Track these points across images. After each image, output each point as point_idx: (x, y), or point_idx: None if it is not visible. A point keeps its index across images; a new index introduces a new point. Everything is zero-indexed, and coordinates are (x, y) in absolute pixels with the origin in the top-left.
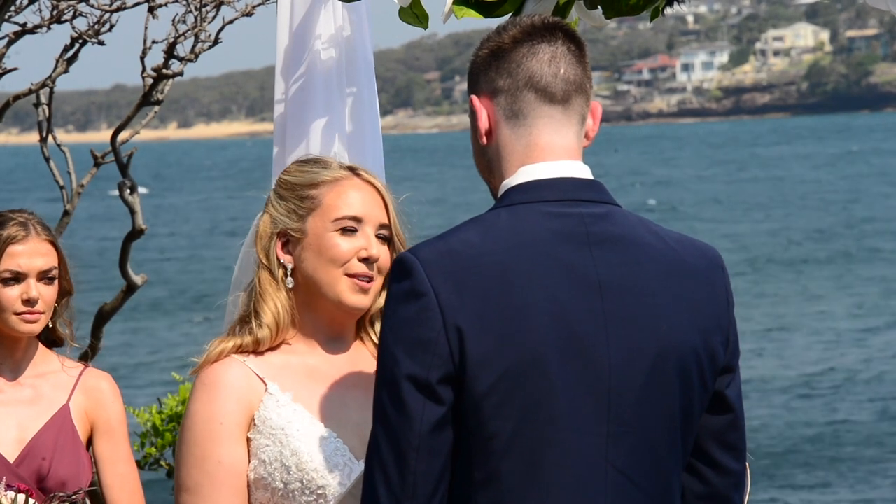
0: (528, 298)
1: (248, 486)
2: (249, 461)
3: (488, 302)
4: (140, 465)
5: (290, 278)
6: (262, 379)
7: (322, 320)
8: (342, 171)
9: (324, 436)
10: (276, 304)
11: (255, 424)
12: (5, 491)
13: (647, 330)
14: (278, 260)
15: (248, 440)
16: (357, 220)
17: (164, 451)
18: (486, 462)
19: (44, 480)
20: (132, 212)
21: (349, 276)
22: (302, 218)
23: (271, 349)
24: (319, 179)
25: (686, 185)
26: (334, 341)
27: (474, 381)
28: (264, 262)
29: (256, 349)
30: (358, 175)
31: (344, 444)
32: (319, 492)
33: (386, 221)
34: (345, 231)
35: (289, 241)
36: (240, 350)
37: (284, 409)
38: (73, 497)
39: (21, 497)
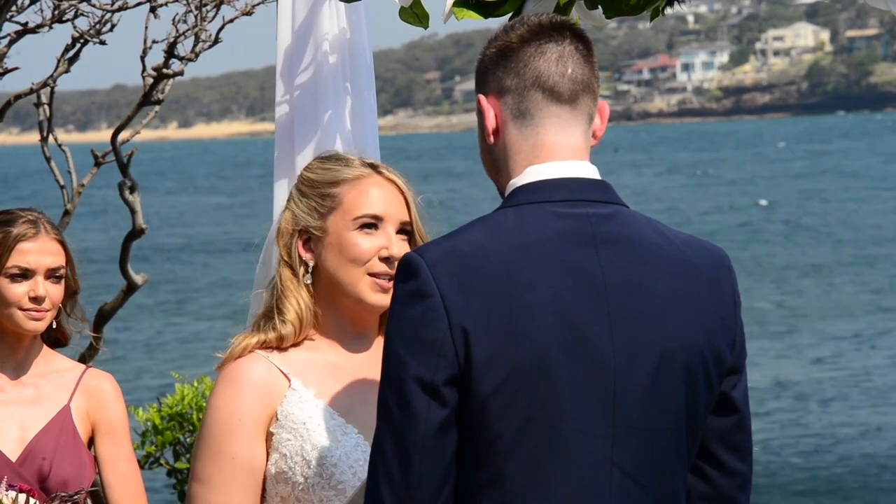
0: (534, 299)
1: (269, 480)
2: (271, 455)
3: (494, 302)
4: (140, 464)
5: (309, 275)
6: (285, 375)
7: (344, 318)
8: (364, 169)
9: (345, 431)
10: (298, 300)
11: (277, 419)
12: (6, 490)
13: (652, 331)
14: (300, 257)
15: (271, 434)
16: (377, 218)
17: (164, 450)
18: (491, 463)
19: (45, 480)
20: (132, 211)
21: (370, 275)
22: (323, 216)
23: (294, 345)
24: (340, 177)
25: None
26: (357, 338)
27: (479, 382)
28: (286, 258)
29: (280, 345)
30: (380, 173)
31: (365, 440)
32: (339, 487)
33: (407, 219)
34: (364, 229)
35: (310, 238)
36: (263, 346)
37: (307, 404)
38: (75, 497)
39: (22, 497)
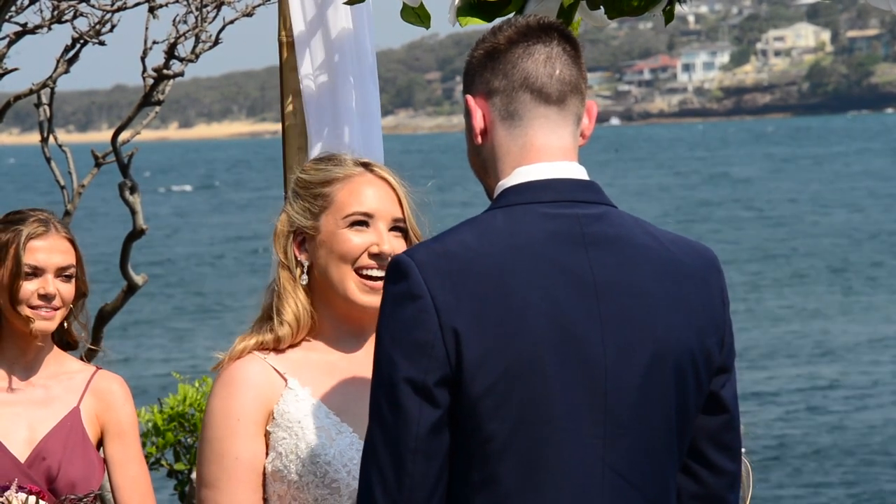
0: (525, 300)
1: (267, 478)
2: (268, 454)
3: (484, 303)
4: None
5: (305, 276)
6: (281, 374)
7: (339, 317)
8: (355, 168)
9: (339, 430)
10: (296, 302)
11: (273, 418)
12: (17, 492)
13: (643, 331)
14: (295, 258)
15: (268, 433)
16: (368, 215)
17: (165, 451)
18: (483, 464)
19: (54, 482)
20: (133, 212)
21: (358, 271)
22: (315, 216)
23: (291, 346)
24: (332, 177)
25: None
26: (353, 338)
27: (471, 383)
28: (283, 260)
29: (277, 346)
30: (371, 171)
31: (359, 438)
32: (333, 485)
33: (400, 216)
34: (356, 226)
35: (304, 239)
36: (261, 347)
37: (303, 403)
38: (85, 500)
39: (32, 499)
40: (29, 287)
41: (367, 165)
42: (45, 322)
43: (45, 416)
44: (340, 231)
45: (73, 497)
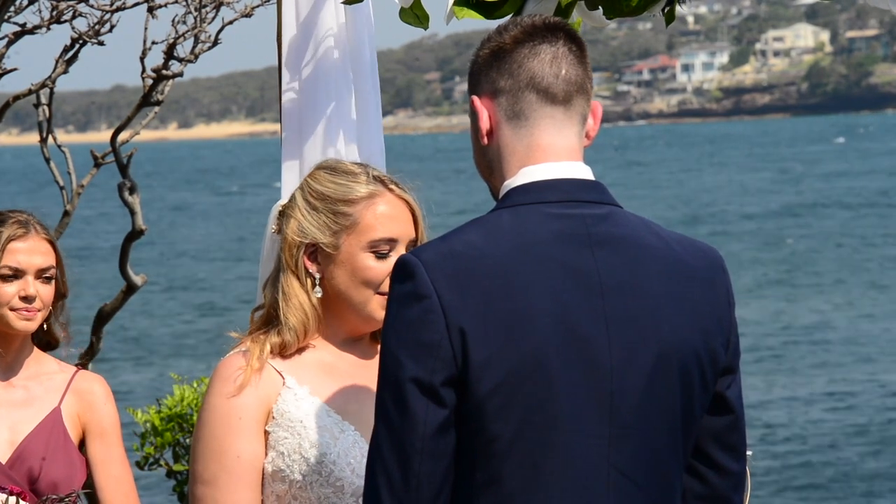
0: (530, 300)
1: (266, 478)
2: (267, 454)
3: (490, 304)
4: (140, 465)
5: (318, 288)
6: (279, 373)
7: (345, 327)
8: (376, 186)
9: (342, 429)
10: (304, 310)
11: (273, 417)
12: None
13: (648, 331)
14: (306, 269)
15: (267, 433)
16: (392, 241)
17: (164, 451)
18: (488, 464)
19: (35, 482)
20: (132, 212)
21: (380, 293)
22: (336, 234)
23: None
24: (354, 195)
25: None
26: (350, 342)
27: (477, 383)
28: (292, 269)
29: (282, 352)
30: (391, 190)
31: (361, 436)
32: (338, 484)
33: (414, 237)
34: (379, 251)
35: (316, 251)
36: (265, 350)
37: (303, 402)
38: (66, 499)
39: (13, 499)
40: (9, 289)
41: (384, 183)
42: (26, 323)
43: (26, 416)
44: (363, 255)
45: (53, 497)
